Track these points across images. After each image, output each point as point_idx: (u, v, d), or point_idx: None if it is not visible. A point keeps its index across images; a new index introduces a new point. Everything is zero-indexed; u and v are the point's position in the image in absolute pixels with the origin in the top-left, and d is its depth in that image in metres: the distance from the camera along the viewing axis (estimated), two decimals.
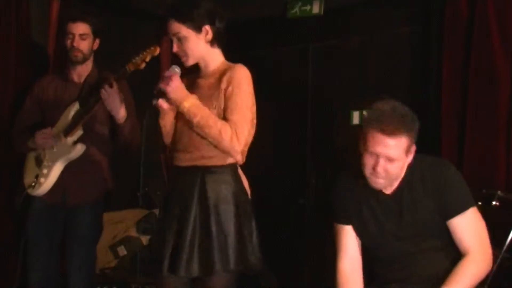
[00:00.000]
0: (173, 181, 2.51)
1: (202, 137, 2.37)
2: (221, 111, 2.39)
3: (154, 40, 2.72)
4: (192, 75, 2.56)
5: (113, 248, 3.97)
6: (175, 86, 2.34)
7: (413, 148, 2.15)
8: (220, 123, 2.33)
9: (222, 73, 2.42)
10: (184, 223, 2.37)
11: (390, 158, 2.09)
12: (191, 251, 2.32)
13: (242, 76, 2.39)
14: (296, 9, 4.19)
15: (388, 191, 2.22)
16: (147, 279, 3.61)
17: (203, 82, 2.48)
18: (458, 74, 3.40)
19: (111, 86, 2.79)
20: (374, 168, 2.11)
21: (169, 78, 2.34)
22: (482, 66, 3.29)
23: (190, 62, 2.45)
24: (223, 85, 2.38)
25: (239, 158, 2.41)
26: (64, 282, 3.08)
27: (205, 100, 2.41)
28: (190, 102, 2.33)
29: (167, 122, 2.52)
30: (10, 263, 3.35)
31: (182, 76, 2.46)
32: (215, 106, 2.39)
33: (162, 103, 2.41)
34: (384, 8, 3.87)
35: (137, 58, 2.70)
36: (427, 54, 3.66)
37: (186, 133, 2.45)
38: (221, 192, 2.38)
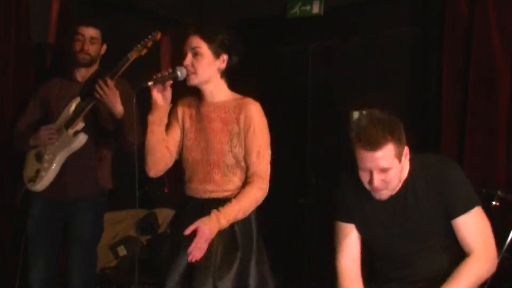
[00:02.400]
0: (189, 210, 2.47)
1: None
2: (241, 150, 2.41)
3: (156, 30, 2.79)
4: (194, 101, 2.53)
5: (113, 248, 3.97)
6: (209, 231, 2.31)
7: (405, 150, 2.13)
8: (252, 196, 2.38)
9: (236, 108, 2.42)
10: (204, 256, 2.33)
11: (383, 169, 2.09)
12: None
13: (259, 113, 2.43)
14: (296, 9, 4.19)
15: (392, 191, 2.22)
16: (147, 279, 3.61)
17: (213, 114, 2.45)
18: (458, 74, 3.40)
19: (106, 83, 2.83)
20: (369, 183, 2.12)
21: (201, 236, 2.29)
22: (482, 66, 3.29)
23: (195, 81, 2.41)
24: (242, 124, 2.40)
25: None
26: (64, 281, 3.08)
27: (221, 134, 2.42)
28: (223, 220, 2.33)
29: (158, 142, 2.44)
30: (11, 262, 3.35)
31: (182, 94, 2.46)
32: (236, 145, 2.40)
33: (157, 95, 2.37)
34: (384, 8, 3.87)
35: (139, 45, 2.81)
36: (427, 54, 3.66)
37: (202, 167, 2.45)
38: (247, 227, 2.42)
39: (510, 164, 3.23)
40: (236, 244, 2.37)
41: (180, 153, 2.52)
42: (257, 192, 2.38)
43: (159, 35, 2.82)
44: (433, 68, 3.60)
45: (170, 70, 2.37)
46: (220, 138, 2.41)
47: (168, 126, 2.49)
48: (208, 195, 2.43)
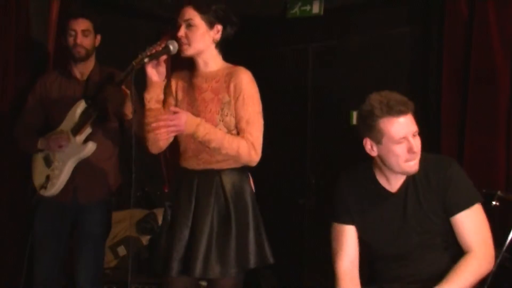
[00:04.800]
0: (184, 183, 2.50)
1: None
2: (232, 118, 2.42)
3: (157, 37, 2.73)
4: (187, 74, 2.56)
5: (113, 248, 3.97)
6: (185, 122, 2.33)
7: None
8: (236, 142, 2.36)
9: (227, 77, 2.44)
10: (200, 225, 2.38)
11: (415, 132, 2.11)
12: (209, 252, 2.34)
13: (249, 82, 2.44)
14: (296, 9, 4.19)
15: (393, 189, 2.22)
16: (147, 279, 3.61)
17: (204, 85, 2.47)
18: (458, 74, 3.40)
19: (118, 84, 2.78)
20: (409, 151, 2.09)
21: (175, 117, 2.31)
22: (482, 66, 3.28)
23: (189, 52, 2.44)
24: (232, 92, 2.41)
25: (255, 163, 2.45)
26: (69, 281, 3.08)
27: (212, 103, 2.43)
28: (203, 130, 2.34)
29: (156, 118, 2.44)
30: (16, 261, 3.34)
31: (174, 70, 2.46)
32: (227, 113, 2.41)
33: (151, 71, 2.39)
34: (384, 8, 3.86)
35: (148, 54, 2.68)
36: (427, 54, 3.66)
37: (193, 139, 2.45)
38: (240, 192, 2.44)
39: (510, 164, 3.23)
40: (230, 216, 2.38)
41: None
42: (244, 144, 2.37)
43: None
44: (433, 68, 3.60)
45: (163, 45, 2.39)
46: (211, 108, 2.42)
47: (164, 102, 2.50)
48: (201, 166, 2.45)
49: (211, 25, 2.42)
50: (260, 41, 4.44)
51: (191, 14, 2.40)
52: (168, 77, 2.54)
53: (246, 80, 2.42)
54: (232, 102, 2.41)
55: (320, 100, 4.19)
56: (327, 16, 4.06)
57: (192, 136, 2.36)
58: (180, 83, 2.55)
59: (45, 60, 3.68)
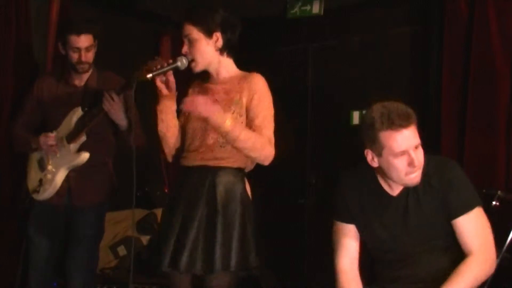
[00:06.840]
0: (181, 181, 2.51)
1: (235, 149, 2.39)
2: (239, 118, 2.42)
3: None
4: (202, 81, 2.58)
5: (113, 248, 3.97)
6: (215, 109, 2.32)
7: None
8: (262, 140, 2.38)
9: (240, 80, 2.46)
10: (189, 221, 2.39)
11: (417, 145, 2.09)
12: (195, 248, 2.35)
13: (264, 87, 2.46)
14: (296, 9, 4.19)
15: (394, 192, 2.22)
16: (147, 279, 3.61)
17: (217, 88, 2.49)
18: (458, 74, 3.40)
19: (112, 98, 2.78)
20: (410, 164, 2.07)
21: (200, 98, 2.33)
22: (482, 66, 3.29)
23: (199, 67, 2.45)
24: (245, 94, 2.43)
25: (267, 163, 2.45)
26: (64, 283, 3.08)
27: (223, 103, 2.43)
28: (231, 120, 2.33)
29: (169, 129, 2.50)
30: (11, 263, 3.34)
31: (190, 79, 2.49)
32: (234, 111, 2.42)
33: (160, 85, 2.41)
34: (384, 8, 3.87)
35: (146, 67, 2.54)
36: (427, 54, 3.66)
37: (200, 135, 2.47)
38: (230, 193, 2.42)
39: (510, 164, 3.23)
40: (217, 215, 2.38)
41: (184, 127, 2.54)
42: (260, 138, 2.37)
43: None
44: (433, 68, 3.60)
45: (170, 61, 2.39)
46: (223, 106, 2.41)
47: (178, 112, 2.53)
48: (198, 162, 2.45)
49: (209, 34, 2.42)
50: (260, 41, 4.44)
51: (189, 29, 2.41)
52: (185, 87, 2.56)
53: (261, 83, 2.46)
54: (244, 101, 2.42)
55: (320, 100, 4.19)
56: (327, 16, 4.07)
57: (219, 129, 2.34)
58: (196, 89, 2.57)
59: (44, 62, 3.67)
